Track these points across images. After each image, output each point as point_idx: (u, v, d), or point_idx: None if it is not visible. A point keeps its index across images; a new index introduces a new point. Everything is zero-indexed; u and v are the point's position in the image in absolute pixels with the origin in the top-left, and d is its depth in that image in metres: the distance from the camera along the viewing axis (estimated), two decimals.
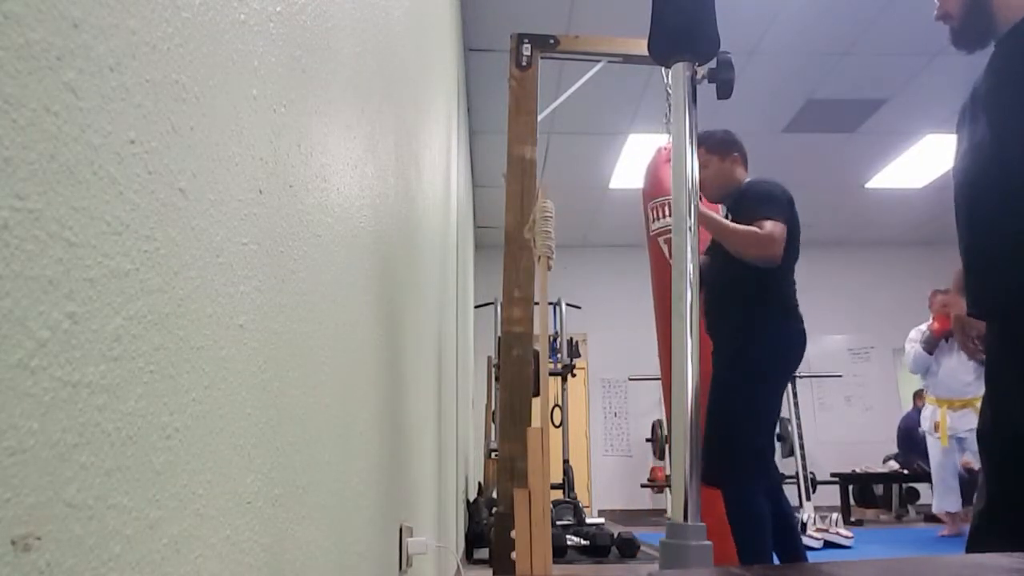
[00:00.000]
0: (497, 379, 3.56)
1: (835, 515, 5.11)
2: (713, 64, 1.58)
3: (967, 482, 4.96)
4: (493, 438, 5.58)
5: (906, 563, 0.72)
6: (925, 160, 6.21)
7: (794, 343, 2.28)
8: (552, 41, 2.64)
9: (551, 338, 6.55)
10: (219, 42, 0.50)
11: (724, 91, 1.65)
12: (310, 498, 0.71)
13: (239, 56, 0.54)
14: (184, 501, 0.44)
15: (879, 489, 6.86)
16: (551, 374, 5.91)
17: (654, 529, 5.64)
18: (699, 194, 2.17)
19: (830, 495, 6.67)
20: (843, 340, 8.31)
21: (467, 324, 5.44)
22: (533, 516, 1.23)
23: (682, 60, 1.08)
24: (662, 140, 3.35)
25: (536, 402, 1.77)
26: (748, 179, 2.48)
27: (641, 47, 2.69)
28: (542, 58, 2.64)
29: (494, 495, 3.24)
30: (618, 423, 8.11)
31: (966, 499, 4.87)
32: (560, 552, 3.76)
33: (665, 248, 3.20)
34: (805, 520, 5.02)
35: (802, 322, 2.31)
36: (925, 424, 5.03)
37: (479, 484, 5.95)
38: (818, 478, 6.10)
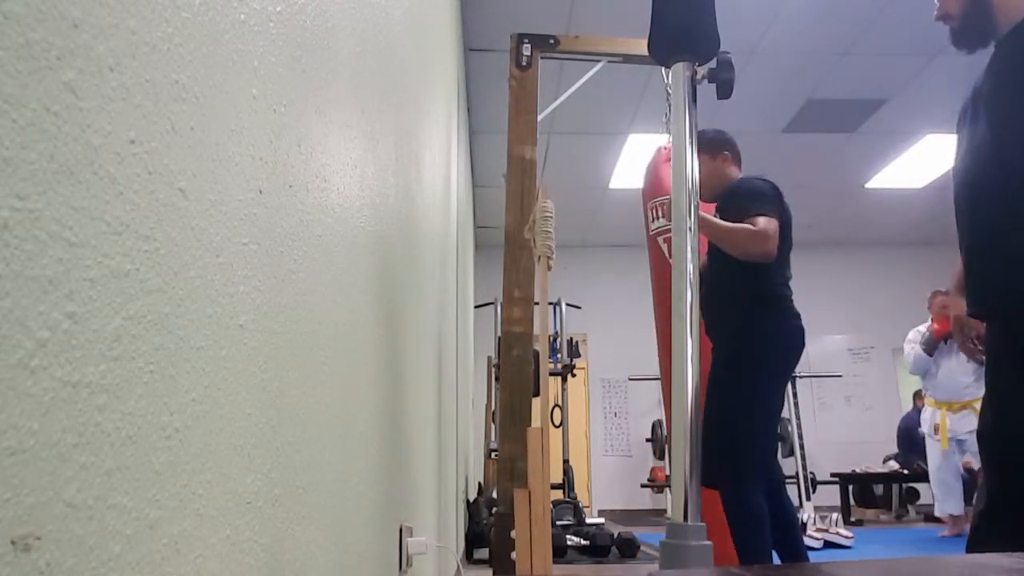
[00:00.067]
0: (497, 379, 3.56)
1: (835, 515, 5.11)
2: (713, 64, 1.57)
3: (967, 482, 4.96)
4: (493, 438, 5.58)
5: (906, 563, 0.72)
6: (925, 160, 6.21)
7: (791, 340, 2.27)
8: (552, 41, 2.64)
9: (551, 338, 6.55)
10: (219, 42, 0.50)
11: (724, 91, 1.65)
12: (310, 498, 0.71)
13: (239, 56, 0.54)
14: (184, 501, 0.44)
15: (879, 489, 6.86)
16: (551, 374, 5.91)
17: (654, 529, 5.64)
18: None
19: (830, 495, 6.67)
20: (843, 340, 8.31)
21: (467, 324, 5.44)
22: (533, 516, 1.23)
23: (682, 60, 1.08)
24: (662, 140, 3.34)
25: (536, 402, 1.77)
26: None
27: (641, 47, 2.69)
28: (542, 58, 2.64)
29: (494, 495, 3.24)
30: (618, 423, 8.11)
31: (967, 500, 4.87)
32: (560, 552, 3.76)
33: (665, 248, 3.20)
34: (805, 520, 5.02)
35: (799, 318, 2.30)
36: (925, 426, 5.03)
37: (479, 484, 5.95)
38: (818, 478, 6.10)
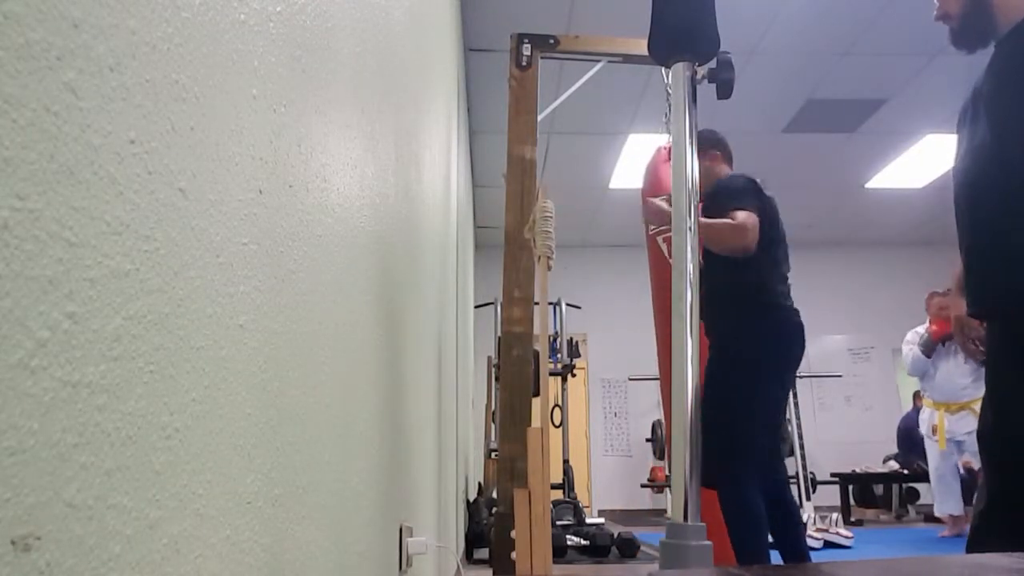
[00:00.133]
0: (497, 379, 3.56)
1: (835, 515, 5.11)
2: (713, 64, 1.58)
3: (967, 482, 4.96)
4: (493, 438, 5.58)
5: (906, 563, 0.72)
6: (925, 160, 6.21)
7: (786, 337, 2.27)
8: (552, 41, 2.64)
9: (551, 338, 6.55)
10: (219, 42, 0.50)
11: (724, 91, 1.65)
12: (310, 498, 0.71)
13: (239, 56, 0.54)
14: (184, 501, 0.44)
15: (879, 489, 6.86)
16: (551, 374, 5.91)
17: (654, 529, 5.64)
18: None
19: (830, 495, 6.67)
20: (843, 340, 8.31)
21: (467, 324, 5.44)
22: (533, 516, 1.23)
23: (682, 60, 1.08)
24: (662, 140, 3.35)
25: (536, 402, 1.77)
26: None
27: (641, 47, 2.69)
28: (542, 58, 2.64)
29: (494, 495, 3.23)
30: (618, 423, 8.11)
31: (967, 500, 4.87)
32: (560, 552, 3.76)
33: (664, 247, 3.20)
34: (805, 520, 5.02)
35: (796, 315, 2.29)
36: (923, 427, 5.04)
37: (479, 484, 5.95)
38: (818, 478, 6.10)
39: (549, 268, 1.46)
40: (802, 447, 5.79)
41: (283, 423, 0.63)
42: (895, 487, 6.85)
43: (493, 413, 5.93)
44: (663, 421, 7.09)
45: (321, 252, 0.77)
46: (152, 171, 0.40)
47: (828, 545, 4.64)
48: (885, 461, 6.94)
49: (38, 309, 0.30)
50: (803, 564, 1.92)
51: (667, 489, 6.70)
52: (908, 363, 4.96)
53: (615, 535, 3.97)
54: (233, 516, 0.51)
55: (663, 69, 2.85)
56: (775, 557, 2.41)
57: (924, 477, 5.49)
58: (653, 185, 3.19)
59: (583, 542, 3.93)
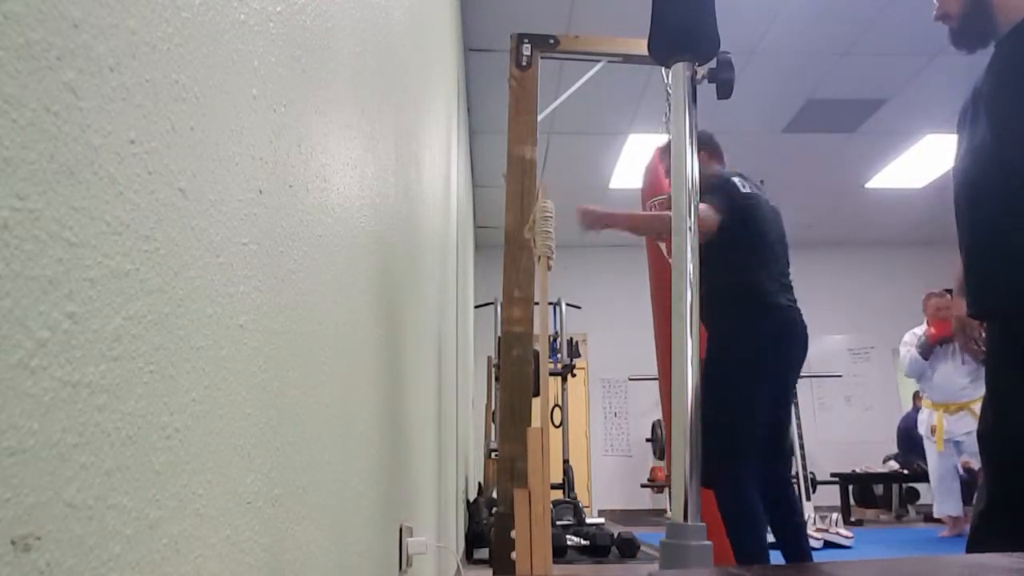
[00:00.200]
0: (497, 379, 3.56)
1: (835, 515, 5.11)
2: (713, 64, 1.58)
3: (967, 482, 4.96)
4: (493, 438, 5.58)
5: (906, 563, 0.72)
6: (925, 160, 6.21)
7: (784, 336, 2.26)
8: (552, 41, 2.64)
9: (551, 338, 6.55)
10: (219, 42, 0.50)
11: (724, 91, 1.65)
12: (310, 498, 0.71)
13: (239, 56, 0.54)
14: (184, 501, 0.44)
15: (879, 489, 6.86)
16: (551, 374, 5.91)
17: (654, 529, 5.63)
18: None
19: (830, 495, 6.67)
20: (843, 340, 8.31)
21: (467, 324, 5.44)
22: (533, 516, 1.22)
23: (682, 60, 1.08)
24: (662, 140, 3.35)
25: (536, 402, 1.77)
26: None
27: (641, 47, 2.69)
28: (542, 58, 2.64)
29: (494, 495, 3.23)
30: (618, 423, 8.11)
31: (967, 500, 4.87)
32: (560, 552, 3.76)
33: (663, 247, 3.20)
34: (805, 520, 5.02)
35: (794, 312, 2.28)
36: (922, 428, 5.04)
37: (479, 484, 5.95)
38: (818, 478, 6.10)
39: (549, 268, 1.46)
40: (802, 447, 5.79)
41: (283, 423, 0.63)
42: (895, 487, 6.85)
43: (493, 413, 5.93)
44: (663, 421, 7.09)
45: (321, 252, 0.77)
46: (152, 171, 0.40)
47: (828, 545, 4.64)
48: (885, 461, 6.94)
49: (38, 309, 0.30)
50: (803, 564, 1.92)
51: (667, 489, 6.70)
52: (905, 365, 4.97)
53: (615, 535, 3.97)
54: (233, 516, 0.51)
55: (663, 69, 2.85)
56: (776, 557, 2.41)
57: (924, 477, 5.49)
58: (653, 185, 3.20)
59: (583, 542, 3.93)
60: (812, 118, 5.52)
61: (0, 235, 0.28)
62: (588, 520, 4.66)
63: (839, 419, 8.09)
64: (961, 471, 4.92)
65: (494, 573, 2.20)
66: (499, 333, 3.27)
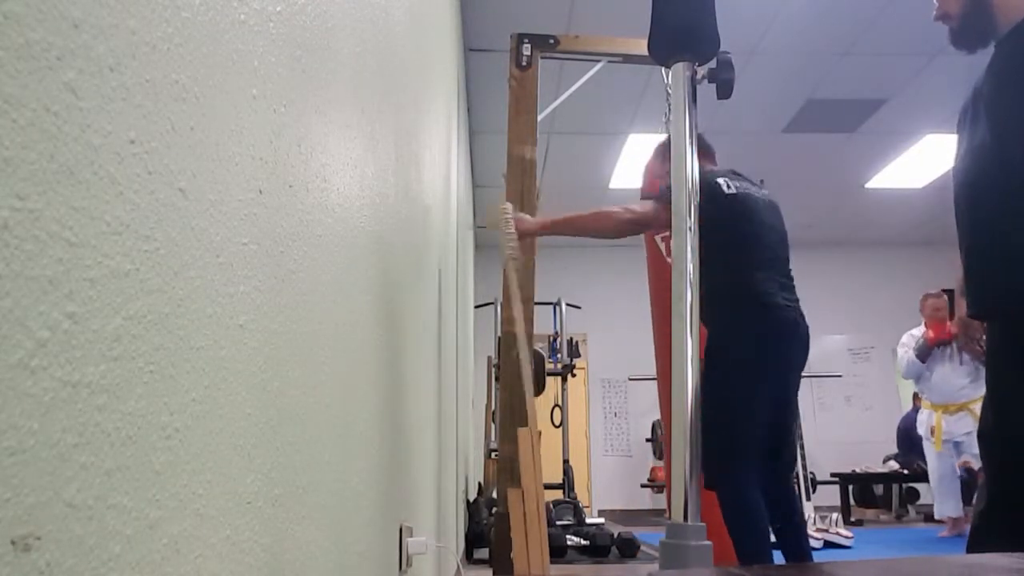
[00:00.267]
0: (497, 379, 3.56)
1: (835, 515, 5.11)
2: (713, 64, 1.58)
3: (967, 483, 4.96)
4: (493, 438, 5.58)
5: (906, 563, 0.72)
6: (925, 160, 6.21)
7: (780, 334, 2.24)
8: (552, 41, 2.64)
9: (551, 338, 6.55)
10: (219, 42, 0.50)
11: (724, 91, 1.65)
12: (310, 498, 0.71)
13: (239, 56, 0.54)
14: (184, 501, 0.44)
15: (879, 489, 6.86)
16: (550, 374, 5.91)
17: (654, 529, 5.63)
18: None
19: (830, 495, 6.67)
20: (843, 340, 8.31)
21: (467, 324, 5.44)
22: (527, 515, 1.23)
23: (682, 60, 1.08)
24: (662, 140, 3.34)
25: (536, 401, 1.77)
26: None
27: (641, 47, 2.69)
28: (542, 58, 2.64)
29: (494, 495, 3.23)
30: (618, 423, 8.11)
31: (967, 500, 4.87)
32: (560, 552, 3.76)
33: (663, 246, 3.20)
34: (805, 520, 5.02)
35: (789, 311, 2.25)
36: (921, 429, 5.04)
37: (479, 484, 5.95)
38: (818, 478, 6.10)
39: (518, 268, 1.46)
40: (802, 447, 5.79)
41: (283, 423, 0.63)
42: (895, 487, 6.85)
43: (493, 413, 5.93)
44: (661, 421, 7.09)
45: (321, 252, 0.77)
46: (152, 171, 0.40)
47: (828, 545, 4.64)
48: (885, 461, 6.94)
49: (38, 309, 0.30)
50: (803, 564, 1.92)
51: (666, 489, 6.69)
52: (903, 367, 4.97)
53: (615, 535, 3.97)
54: (233, 516, 0.51)
55: (663, 69, 2.85)
56: (777, 557, 2.41)
57: (924, 477, 5.49)
58: (652, 185, 3.20)
59: (583, 542, 3.93)
60: (812, 118, 5.52)
61: (0, 235, 0.28)
62: (588, 520, 4.66)
63: (839, 419, 8.09)
64: (961, 472, 4.92)
65: (494, 573, 2.20)
66: (499, 333, 3.28)
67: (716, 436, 2.14)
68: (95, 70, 0.34)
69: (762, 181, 2.48)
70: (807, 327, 2.31)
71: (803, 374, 2.48)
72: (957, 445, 4.76)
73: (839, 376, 7.54)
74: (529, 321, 2.35)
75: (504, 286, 2.41)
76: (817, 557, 3.98)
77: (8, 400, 0.28)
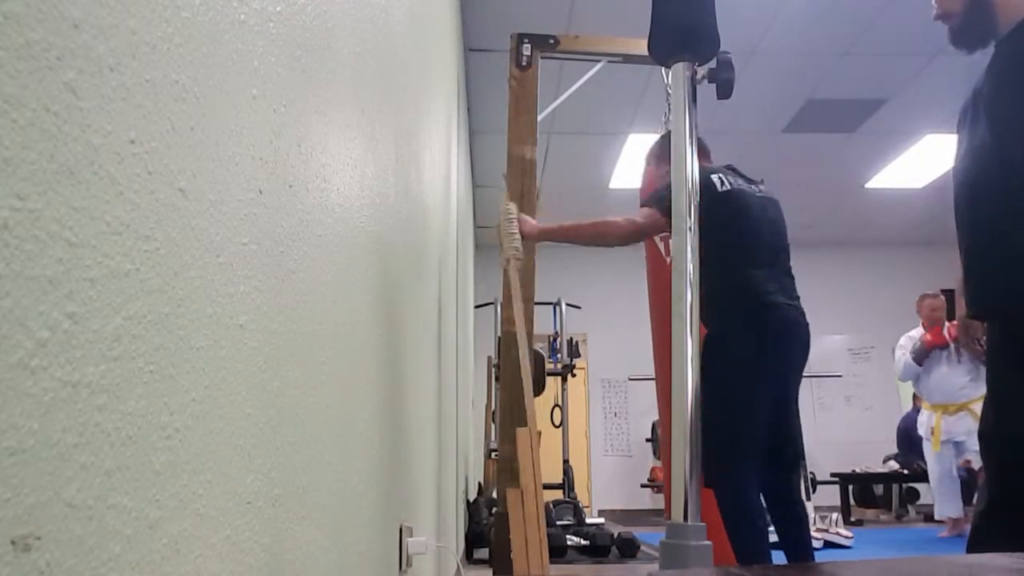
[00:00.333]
0: (497, 379, 3.56)
1: (835, 515, 5.11)
2: (713, 64, 1.58)
3: (967, 483, 4.96)
4: (493, 438, 5.57)
5: (906, 563, 0.72)
6: (925, 160, 6.21)
7: (779, 333, 2.23)
8: (552, 41, 2.64)
9: (551, 338, 6.55)
10: (219, 42, 0.50)
11: (724, 91, 1.66)
12: (310, 498, 0.71)
13: (239, 56, 0.54)
14: (184, 501, 0.44)
15: (879, 489, 6.85)
16: (550, 374, 5.91)
17: (654, 529, 5.63)
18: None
19: (830, 495, 6.66)
20: (843, 340, 8.31)
21: (467, 324, 5.44)
22: (526, 515, 1.23)
23: (682, 60, 1.08)
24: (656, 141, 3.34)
25: (536, 401, 1.77)
26: None
27: (641, 47, 2.69)
28: (542, 58, 2.64)
29: (494, 495, 3.23)
30: (618, 423, 8.11)
31: (967, 500, 4.87)
32: (560, 552, 3.76)
33: (661, 245, 3.20)
34: (808, 516, 5.02)
35: (789, 310, 2.24)
36: (921, 429, 5.04)
37: (479, 484, 5.95)
38: (818, 478, 6.09)
39: (519, 269, 1.46)
40: (802, 447, 5.78)
41: (283, 423, 0.63)
42: (895, 487, 6.85)
43: (493, 413, 5.93)
44: (659, 421, 7.09)
45: (321, 252, 0.77)
46: (152, 171, 0.40)
47: (828, 545, 4.64)
48: (885, 461, 6.93)
49: (38, 309, 0.30)
50: (803, 564, 1.92)
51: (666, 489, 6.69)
52: (899, 369, 4.98)
53: (615, 535, 3.97)
54: (233, 516, 0.51)
55: (663, 69, 2.85)
56: (778, 557, 2.41)
57: (924, 477, 5.48)
58: (651, 185, 3.19)
59: (583, 542, 3.93)
60: (812, 118, 5.52)
61: (0, 235, 0.28)
62: (588, 520, 4.66)
63: (839, 419, 8.09)
64: (961, 471, 4.92)
65: (494, 573, 2.20)
66: (499, 333, 3.28)
67: (716, 436, 2.14)
68: (95, 70, 0.34)
69: (762, 181, 2.47)
70: (807, 325, 2.30)
71: (804, 374, 2.47)
72: (958, 445, 4.76)
73: (839, 376, 7.54)
74: (529, 321, 2.35)
75: (504, 286, 2.41)
76: (817, 557, 3.98)
77: (8, 400, 0.28)
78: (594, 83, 3.20)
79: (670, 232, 2.30)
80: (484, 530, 4.16)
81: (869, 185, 6.81)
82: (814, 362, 8.16)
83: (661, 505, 7.61)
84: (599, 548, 3.87)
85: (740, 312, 2.23)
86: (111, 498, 0.35)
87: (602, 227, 2.33)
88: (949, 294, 4.78)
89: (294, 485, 0.66)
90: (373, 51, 1.11)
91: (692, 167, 1.06)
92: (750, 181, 2.41)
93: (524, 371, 1.33)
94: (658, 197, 2.28)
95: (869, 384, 8.21)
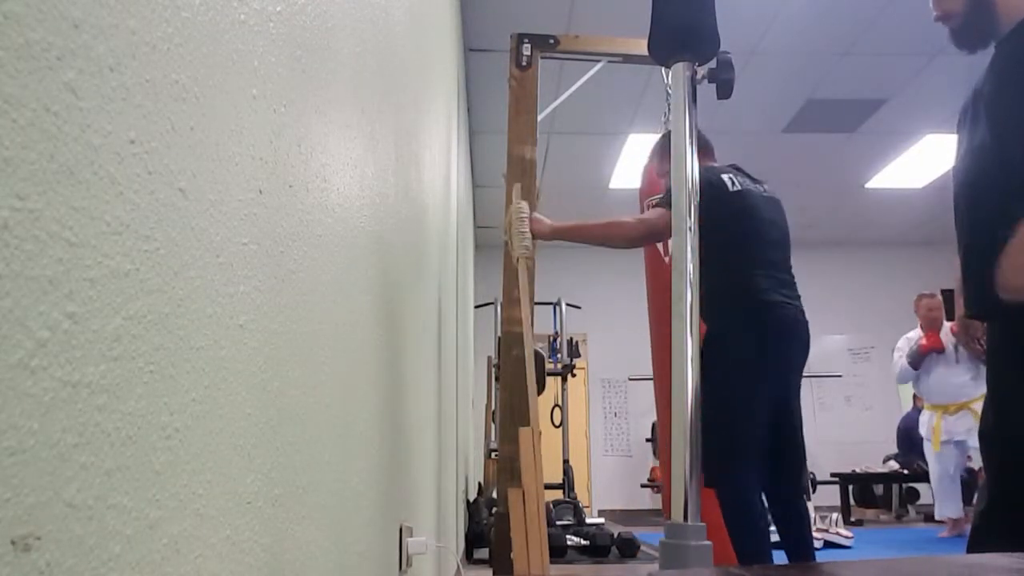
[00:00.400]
0: (497, 379, 3.56)
1: (835, 515, 5.11)
2: (713, 64, 1.58)
3: (967, 483, 4.96)
4: (493, 438, 5.58)
5: (906, 563, 0.72)
6: (925, 160, 6.21)
7: (779, 333, 2.23)
8: (552, 41, 2.64)
9: (551, 338, 6.55)
10: (219, 42, 0.50)
11: (724, 91, 1.66)
12: (310, 498, 0.71)
13: (239, 56, 0.54)
14: (184, 501, 0.44)
15: (879, 489, 6.85)
16: (550, 374, 5.91)
17: (654, 529, 5.63)
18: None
19: (830, 495, 6.67)
20: (843, 340, 8.31)
21: (467, 324, 5.44)
22: (527, 515, 1.23)
23: (682, 60, 1.08)
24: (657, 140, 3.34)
25: (535, 402, 1.77)
26: None
27: (641, 47, 2.69)
28: (542, 58, 2.64)
29: (494, 495, 3.23)
30: (618, 423, 8.11)
31: (967, 500, 4.87)
32: (560, 552, 3.76)
33: (660, 245, 3.20)
34: (810, 515, 5.02)
35: (788, 309, 2.23)
36: (923, 430, 5.04)
37: (479, 484, 5.95)
38: (818, 478, 6.09)
39: (527, 268, 1.46)
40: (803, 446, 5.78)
41: (283, 423, 0.63)
42: (895, 487, 6.85)
43: (493, 413, 5.93)
44: (658, 421, 7.08)
45: (321, 252, 0.77)
46: (152, 171, 0.40)
47: (828, 545, 4.64)
48: (885, 461, 6.94)
49: (38, 309, 0.30)
50: (803, 564, 1.92)
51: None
52: (897, 371, 4.99)
53: (615, 535, 3.97)
54: (233, 516, 0.51)
55: (663, 69, 2.85)
56: (779, 556, 2.41)
57: (924, 477, 5.48)
58: (650, 184, 3.20)
59: (583, 542, 3.93)
60: (812, 118, 5.52)
61: (0, 235, 0.28)
62: (588, 520, 4.66)
63: (839, 419, 8.09)
64: (962, 472, 4.92)
65: (494, 573, 2.20)
66: (499, 333, 3.28)
67: (716, 436, 2.14)
68: (95, 70, 0.34)
69: (765, 181, 2.47)
70: (807, 324, 2.30)
71: (804, 374, 2.46)
72: (958, 444, 4.76)
73: (839, 376, 7.54)
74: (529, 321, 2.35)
75: (504, 286, 2.41)
76: (817, 557, 3.98)
77: (8, 400, 0.28)
78: (594, 83, 3.20)
79: None
80: (484, 530, 4.16)
81: (869, 185, 6.81)
82: (814, 362, 8.17)
83: (661, 505, 7.61)
84: (599, 548, 3.87)
85: (740, 311, 2.23)
86: (111, 498, 0.35)
87: (615, 228, 2.32)
88: (948, 294, 4.78)
89: (294, 485, 0.66)
90: (373, 51, 1.11)
91: (692, 167, 1.06)
92: (755, 181, 2.41)
93: (529, 372, 1.33)
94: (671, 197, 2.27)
95: (869, 384, 8.22)
